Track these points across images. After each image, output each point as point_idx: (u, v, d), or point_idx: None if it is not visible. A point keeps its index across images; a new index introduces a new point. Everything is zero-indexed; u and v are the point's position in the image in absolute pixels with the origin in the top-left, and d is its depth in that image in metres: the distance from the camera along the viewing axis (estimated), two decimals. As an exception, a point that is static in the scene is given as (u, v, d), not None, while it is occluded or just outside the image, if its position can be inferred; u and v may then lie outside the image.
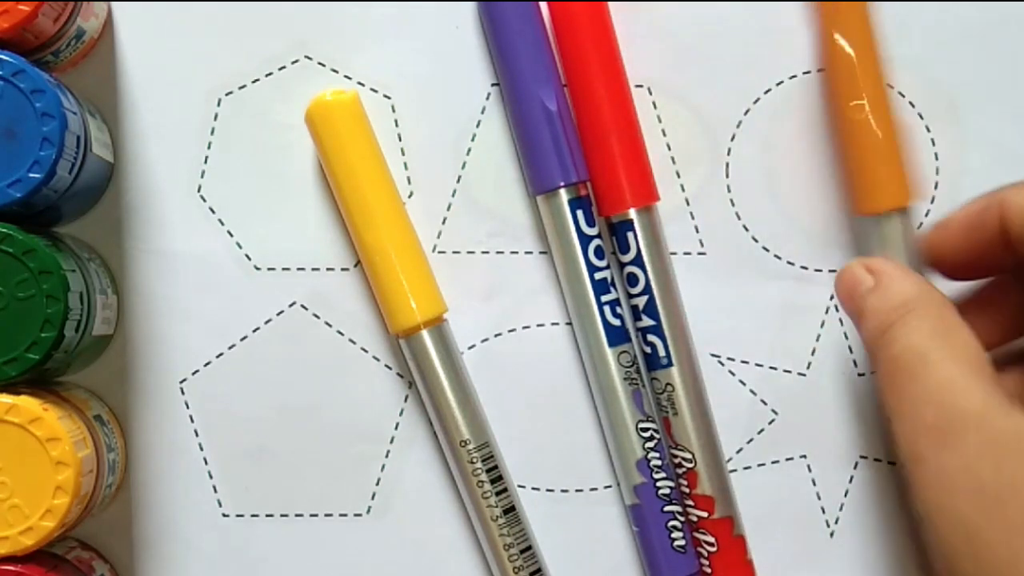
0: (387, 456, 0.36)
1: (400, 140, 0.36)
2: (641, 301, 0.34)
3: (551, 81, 0.34)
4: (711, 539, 0.34)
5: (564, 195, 0.34)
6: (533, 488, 0.36)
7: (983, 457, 0.25)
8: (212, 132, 0.35)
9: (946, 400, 0.27)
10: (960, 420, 0.26)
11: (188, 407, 0.35)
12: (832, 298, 0.36)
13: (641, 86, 0.36)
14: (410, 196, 0.36)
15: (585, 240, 0.34)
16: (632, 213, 0.34)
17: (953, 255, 0.32)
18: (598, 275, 0.34)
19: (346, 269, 0.36)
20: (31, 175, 0.30)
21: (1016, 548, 0.24)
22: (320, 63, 0.35)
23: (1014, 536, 0.24)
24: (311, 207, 0.35)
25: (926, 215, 0.36)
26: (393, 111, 0.36)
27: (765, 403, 0.36)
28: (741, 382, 0.36)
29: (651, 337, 0.34)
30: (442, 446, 0.35)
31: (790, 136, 0.36)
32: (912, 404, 0.27)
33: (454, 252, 0.36)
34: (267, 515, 0.35)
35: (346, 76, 0.36)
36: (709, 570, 0.35)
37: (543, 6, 0.34)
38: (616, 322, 0.34)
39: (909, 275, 0.31)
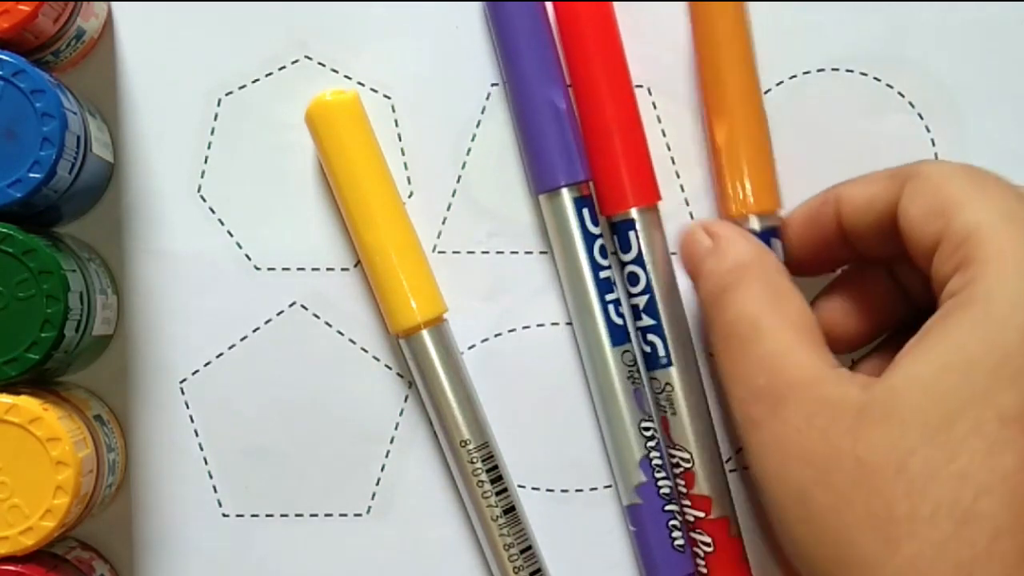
0: (387, 456, 0.36)
1: (400, 140, 0.36)
2: (641, 300, 0.34)
3: (556, 80, 0.34)
4: (708, 539, 0.34)
5: (568, 194, 0.34)
6: (533, 488, 0.36)
7: (811, 424, 0.26)
8: (212, 132, 0.35)
9: (776, 366, 0.27)
10: (789, 387, 0.27)
11: (188, 407, 0.35)
12: (832, 298, 0.36)
13: (641, 86, 0.36)
14: (410, 196, 0.36)
15: (589, 239, 0.34)
16: (634, 212, 0.34)
17: (796, 250, 0.33)
18: (602, 274, 0.34)
19: (346, 269, 0.36)
20: (31, 175, 0.30)
21: (843, 514, 0.25)
22: (320, 63, 0.35)
23: (841, 502, 0.25)
24: (311, 207, 0.35)
25: (926, 215, 0.36)
26: (393, 111, 0.36)
27: (765, 403, 0.36)
28: (741, 382, 0.36)
29: (651, 337, 0.34)
30: (442, 446, 0.35)
31: (790, 136, 0.36)
32: (745, 369, 0.28)
33: (454, 252, 0.36)
34: (267, 515, 0.35)
35: (346, 76, 0.36)
36: (705, 570, 0.35)
37: (548, 6, 0.34)
38: (619, 321, 0.34)
39: (745, 238, 0.31)
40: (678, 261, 0.36)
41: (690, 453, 0.34)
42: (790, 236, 0.33)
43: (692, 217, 0.36)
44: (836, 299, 0.33)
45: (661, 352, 0.34)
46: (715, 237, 0.31)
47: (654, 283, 0.34)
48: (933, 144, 0.36)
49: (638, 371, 0.35)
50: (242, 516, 0.35)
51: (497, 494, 0.34)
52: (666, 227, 0.35)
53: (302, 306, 0.36)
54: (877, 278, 0.33)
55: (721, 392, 0.35)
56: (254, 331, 0.35)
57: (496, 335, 0.36)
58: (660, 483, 0.35)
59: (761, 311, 0.29)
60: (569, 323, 0.36)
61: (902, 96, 0.36)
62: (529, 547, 0.34)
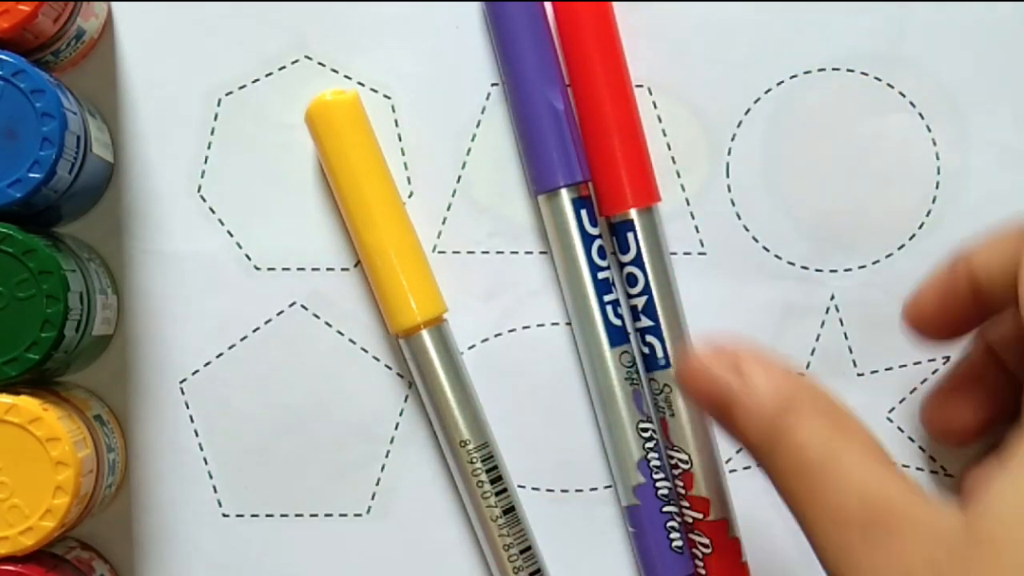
0: (387, 456, 0.36)
1: (400, 140, 0.36)
2: (640, 301, 0.34)
3: (555, 80, 0.34)
4: (706, 540, 0.34)
5: (566, 195, 0.34)
6: (533, 488, 0.36)
7: (918, 555, 0.24)
8: (212, 132, 0.35)
9: (869, 491, 0.25)
10: (888, 513, 0.25)
11: (188, 407, 0.35)
12: (832, 298, 0.36)
13: (641, 86, 0.36)
14: (410, 196, 0.36)
15: (588, 240, 0.34)
16: (633, 213, 0.34)
17: (932, 323, 0.32)
18: (600, 275, 0.34)
19: (346, 269, 0.36)
20: (31, 175, 0.30)
21: None
22: (320, 63, 0.35)
23: None
24: (311, 207, 0.35)
25: (927, 215, 0.36)
26: (393, 111, 0.36)
27: (765, 403, 0.36)
28: (741, 382, 0.36)
29: (649, 338, 0.34)
30: (442, 446, 0.35)
31: (790, 136, 0.36)
32: (830, 498, 0.25)
33: (454, 252, 0.36)
34: (267, 515, 0.35)
35: (346, 76, 0.36)
36: (704, 571, 0.35)
37: (548, 6, 0.34)
38: (617, 322, 0.34)
39: (775, 364, 0.28)
40: (677, 261, 0.36)
41: (688, 455, 0.34)
42: (924, 311, 0.32)
43: (693, 217, 0.36)
44: (950, 389, 0.32)
45: (659, 353, 0.34)
46: (742, 372, 0.27)
47: (653, 284, 0.34)
48: (934, 144, 0.36)
49: (637, 372, 0.35)
50: (242, 516, 0.35)
51: (497, 494, 0.34)
52: (667, 227, 0.35)
53: (302, 306, 0.36)
54: (993, 365, 0.32)
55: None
56: (254, 331, 0.35)
57: (496, 335, 0.36)
58: (659, 484, 0.35)
59: (831, 438, 0.26)
60: (569, 323, 0.36)
61: (902, 96, 0.36)
62: (528, 547, 0.34)
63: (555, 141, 0.34)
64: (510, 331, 0.36)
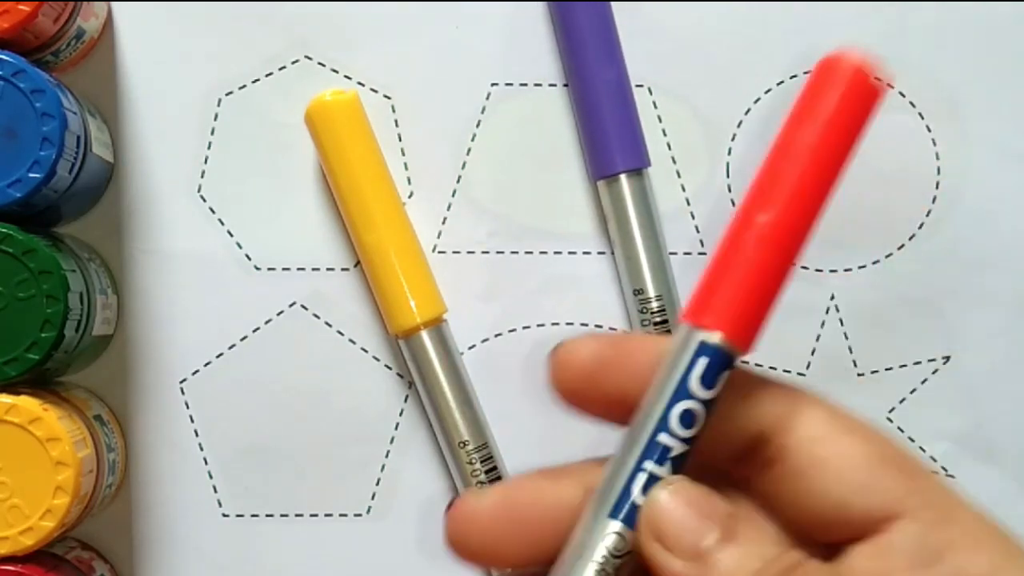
0: (387, 456, 0.36)
1: (400, 140, 0.36)
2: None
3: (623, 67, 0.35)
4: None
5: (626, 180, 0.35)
6: (533, 488, 0.36)
7: None
8: (212, 132, 0.35)
9: None
10: None
11: (188, 407, 0.35)
12: (832, 298, 0.36)
13: (641, 86, 0.36)
14: (410, 196, 0.36)
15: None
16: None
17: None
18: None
19: (346, 269, 0.36)
20: (31, 175, 0.30)
21: None
22: (320, 63, 0.35)
23: None
24: (311, 207, 0.35)
25: (927, 215, 0.36)
26: (393, 111, 0.36)
27: (765, 403, 0.36)
28: (741, 382, 0.36)
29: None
30: (441, 446, 0.35)
31: (790, 136, 0.36)
32: None
33: (454, 252, 0.36)
34: (267, 515, 0.35)
35: (346, 76, 0.36)
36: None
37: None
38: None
39: (740, 535, 0.21)
40: (677, 261, 0.36)
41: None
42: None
43: (693, 217, 0.36)
44: None
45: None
46: (699, 558, 0.20)
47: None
48: (934, 144, 0.36)
49: None
50: (242, 516, 0.35)
51: (497, 494, 0.34)
52: (667, 227, 0.35)
53: (302, 306, 0.36)
54: None
55: None
56: (254, 331, 0.35)
57: (496, 335, 0.36)
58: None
59: None
60: (570, 323, 0.36)
61: (902, 96, 0.36)
62: (529, 547, 0.34)
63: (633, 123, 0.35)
64: (510, 331, 0.36)
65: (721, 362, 0.20)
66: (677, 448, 0.20)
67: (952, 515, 0.21)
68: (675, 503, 0.20)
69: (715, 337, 0.20)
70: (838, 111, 0.20)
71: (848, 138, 0.20)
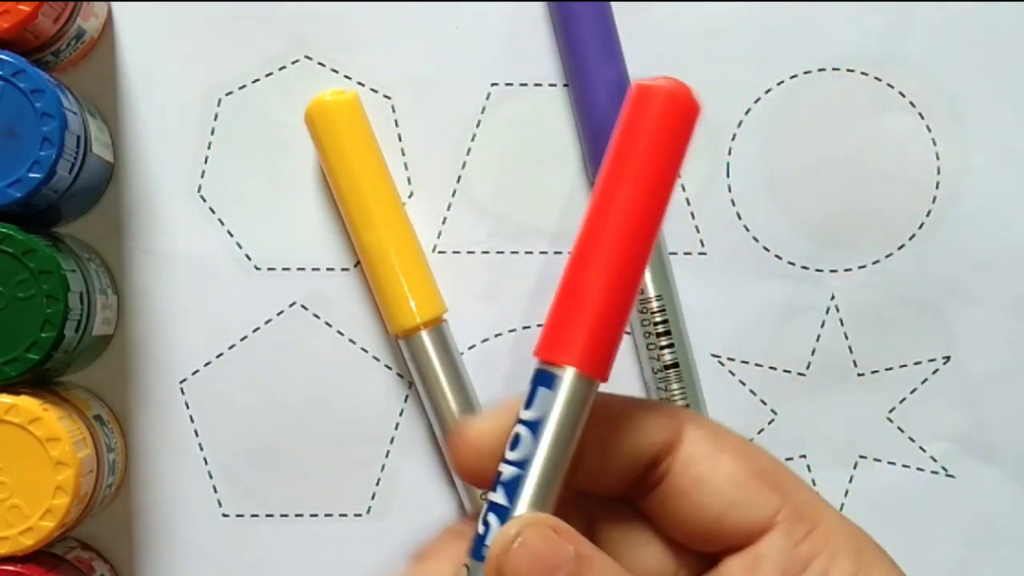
0: (387, 456, 0.36)
1: (400, 140, 0.36)
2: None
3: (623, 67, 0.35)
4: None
5: None
6: (533, 488, 0.36)
7: None
8: (212, 132, 0.35)
9: None
10: None
11: (188, 407, 0.35)
12: (832, 298, 0.36)
13: (641, 86, 0.36)
14: (410, 196, 0.36)
15: None
16: None
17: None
18: None
19: (346, 269, 0.36)
20: (31, 175, 0.30)
21: None
22: (320, 63, 0.35)
23: None
24: (311, 207, 0.35)
25: (927, 215, 0.36)
26: (393, 111, 0.36)
27: (765, 403, 0.36)
28: (741, 382, 0.36)
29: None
30: (441, 447, 0.35)
31: (790, 136, 0.36)
32: None
33: (454, 252, 0.36)
34: (267, 515, 0.35)
35: (346, 76, 0.36)
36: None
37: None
38: None
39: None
40: (677, 261, 0.36)
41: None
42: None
43: (693, 217, 0.36)
44: None
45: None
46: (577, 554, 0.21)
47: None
48: (934, 144, 0.36)
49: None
50: (242, 516, 0.35)
51: (497, 494, 0.34)
52: (668, 227, 0.35)
53: (302, 306, 0.36)
54: None
55: None
56: (254, 331, 0.35)
57: (496, 335, 0.36)
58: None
59: None
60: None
61: (902, 96, 0.36)
62: (529, 547, 0.34)
63: None
64: (510, 331, 0.36)
65: (543, 382, 0.21)
66: (507, 472, 0.21)
67: (819, 526, 0.22)
68: (520, 556, 0.20)
69: (568, 372, 0.21)
70: (658, 134, 0.22)
71: (673, 159, 0.22)
